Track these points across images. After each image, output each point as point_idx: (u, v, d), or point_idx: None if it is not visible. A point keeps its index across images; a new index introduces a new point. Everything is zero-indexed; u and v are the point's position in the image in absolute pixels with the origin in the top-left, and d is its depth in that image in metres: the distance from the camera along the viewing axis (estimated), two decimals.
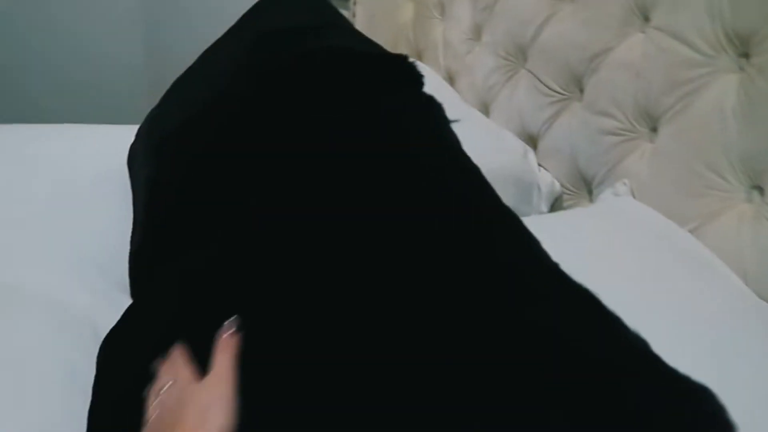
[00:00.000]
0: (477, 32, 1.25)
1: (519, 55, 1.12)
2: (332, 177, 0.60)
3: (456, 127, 0.73)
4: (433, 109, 0.65)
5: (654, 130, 0.84)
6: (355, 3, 1.61)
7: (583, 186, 1.00)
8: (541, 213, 1.05)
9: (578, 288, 0.45)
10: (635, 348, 0.40)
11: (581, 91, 0.97)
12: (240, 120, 0.74)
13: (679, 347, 0.55)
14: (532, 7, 1.05)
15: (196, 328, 0.56)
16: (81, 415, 0.63)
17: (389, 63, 0.73)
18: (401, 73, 0.74)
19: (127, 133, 1.09)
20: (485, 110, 1.24)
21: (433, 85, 1.27)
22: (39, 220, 0.91)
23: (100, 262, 0.85)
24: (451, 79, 1.36)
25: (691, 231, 0.77)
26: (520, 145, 1.08)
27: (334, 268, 0.51)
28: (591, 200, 1.00)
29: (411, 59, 0.75)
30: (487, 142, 1.09)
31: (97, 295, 0.80)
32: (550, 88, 1.02)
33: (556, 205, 1.06)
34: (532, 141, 1.10)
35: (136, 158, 0.99)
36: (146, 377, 0.59)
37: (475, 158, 0.98)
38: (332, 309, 0.49)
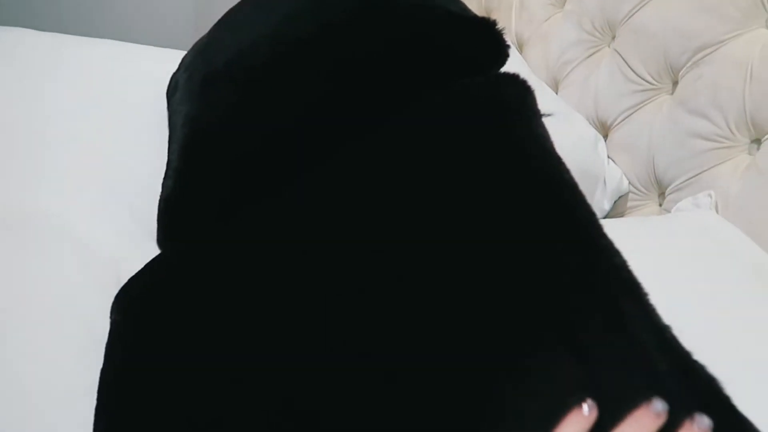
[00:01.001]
0: None
1: (607, 31, 1.01)
2: (397, 156, 0.53)
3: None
4: (527, 99, 0.56)
5: (757, 141, 0.74)
6: None
7: (655, 189, 0.91)
8: (602, 210, 0.96)
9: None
10: None
11: (675, 84, 0.87)
12: (304, 66, 0.66)
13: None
14: None
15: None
16: (94, 369, 0.58)
17: (478, 28, 0.63)
18: (488, 43, 0.65)
19: (173, 58, 1.01)
20: (554, 86, 1.13)
21: None
22: (69, 142, 0.85)
23: (130, 201, 0.80)
24: (520, 46, 1.25)
25: None
26: (591, 133, 0.98)
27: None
28: (660, 205, 0.91)
29: (500, 27, 0.66)
30: (555, 124, 1.00)
31: (123, 238, 0.75)
32: (638, 75, 0.92)
33: (618, 204, 0.98)
34: (604, 129, 1.01)
35: (176, 91, 0.91)
36: (176, 349, 0.54)
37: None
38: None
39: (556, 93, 1.12)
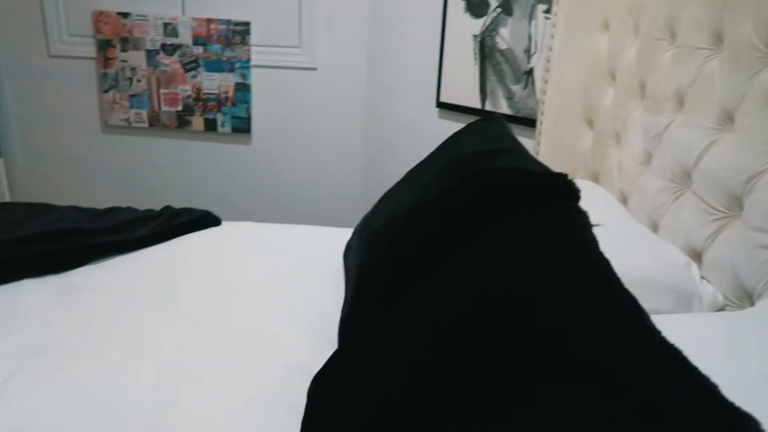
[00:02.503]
0: (647, 158, 1.38)
1: (684, 177, 1.23)
2: (482, 271, 0.80)
3: (607, 234, 0.88)
4: (578, 214, 0.82)
5: None
6: (540, 134, 1.83)
7: (746, 298, 1.04)
8: None
9: (669, 347, 0.57)
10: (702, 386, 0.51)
11: (741, 209, 1.05)
12: (425, 222, 0.98)
13: None
14: (695, 137, 1.17)
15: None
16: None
17: (550, 179, 0.92)
18: (561, 188, 0.92)
19: (344, 233, 1.42)
20: (654, 227, 1.33)
21: (607, 203, 1.43)
22: (278, 291, 1.23)
23: (318, 325, 1.12)
24: (624, 199, 1.49)
25: None
26: (683, 258, 1.15)
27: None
28: None
29: (569, 177, 0.93)
30: (650, 254, 1.19)
31: (315, 349, 1.06)
32: (712, 207, 1.11)
33: None
34: (697, 255, 1.17)
35: (351, 249, 1.28)
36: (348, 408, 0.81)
37: (638, 267, 1.10)
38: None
39: (656, 232, 1.32)
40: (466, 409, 0.65)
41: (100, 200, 1.80)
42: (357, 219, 1.48)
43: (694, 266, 1.15)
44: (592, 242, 0.76)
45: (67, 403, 0.85)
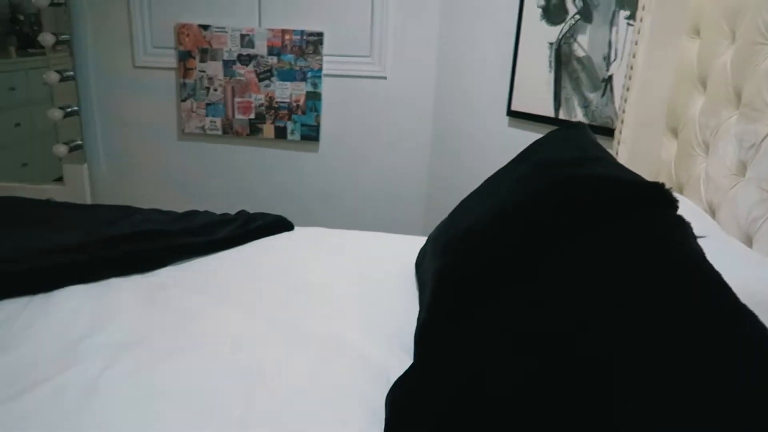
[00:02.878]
0: (741, 168, 1.30)
1: None
2: (575, 273, 0.77)
3: (710, 247, 0.83)
4: (681, 224, 0.78)
5: None
6: (618, 143, 1.77)
7: None
8: None
9: None
10: None
11: None
12: (509, 230, 0.95)
13: None
14: None
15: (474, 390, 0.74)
16: None
17: (647, 188, 0.87)
18: (657, 197, 0.88)
19: (413, 240, 1.41)
20: (748, 241, 1.25)
21: (694, 215, 1.36)
22: (351, 296, 1.23)
23: (392, 331, 1.11)
24: (712, 212, 1.41)
25: None
26: None
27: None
28: None
29: (667, 186, 0.89)
30: (747, 270, 1.12)
31: (389, 354, 1.05)
32: None
33: None
34: None
35: (425, 257, 1.27)
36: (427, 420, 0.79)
37: (735, 283, 1.04)
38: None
39: (750, 246, 1.24)
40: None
41: (177, 204, 1.86)
42: (424, 226, 1.47)
43: None
44: (701, 253, 0.72)
45: (153, 398, 0.87)
